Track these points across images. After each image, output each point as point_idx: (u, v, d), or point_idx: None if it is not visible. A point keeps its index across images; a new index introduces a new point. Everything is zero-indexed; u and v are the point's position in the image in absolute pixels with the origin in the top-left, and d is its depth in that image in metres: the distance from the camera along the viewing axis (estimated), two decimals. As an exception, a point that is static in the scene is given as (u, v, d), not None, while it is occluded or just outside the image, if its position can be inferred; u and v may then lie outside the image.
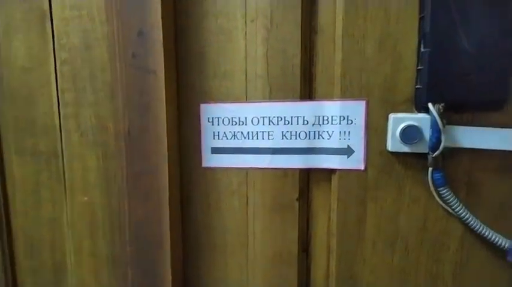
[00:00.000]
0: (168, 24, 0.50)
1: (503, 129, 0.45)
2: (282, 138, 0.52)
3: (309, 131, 0.51)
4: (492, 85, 0.43)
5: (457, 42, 0.43)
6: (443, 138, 0.45)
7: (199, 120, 0.54)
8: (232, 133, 0.53)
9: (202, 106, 0.53)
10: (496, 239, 0.47)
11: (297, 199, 0.53)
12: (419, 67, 0.46)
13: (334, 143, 0.51)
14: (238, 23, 0.50)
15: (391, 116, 0.48)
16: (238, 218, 0.55)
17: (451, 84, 0.44)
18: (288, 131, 0.52)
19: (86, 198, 0.56)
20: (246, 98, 0.52)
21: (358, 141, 0.50)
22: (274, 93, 0.51)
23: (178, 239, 0.57)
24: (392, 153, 0.49)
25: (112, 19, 0.50)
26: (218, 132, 0.54)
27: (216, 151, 0.54)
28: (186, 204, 0.56)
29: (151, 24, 0.48)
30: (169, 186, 0.53)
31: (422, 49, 0.45)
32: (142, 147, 0.52)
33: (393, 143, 0.48)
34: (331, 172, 0.52)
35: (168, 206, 0.53)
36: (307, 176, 0.54)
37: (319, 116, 0.51)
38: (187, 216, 0.57)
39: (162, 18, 0.48)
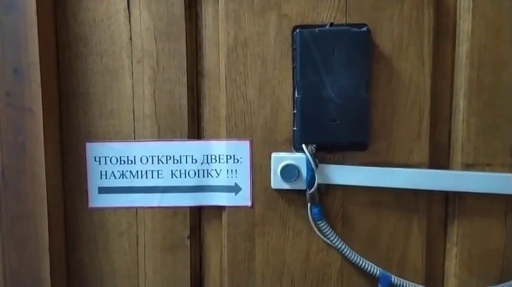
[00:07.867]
0: (48, 63, 0.49)
1: (367, 167, 0.50)
2: (172, 177, 0.52)
3: (198, 170, 0.52)
4: (354, 130, 0.48)
5: (324, 91, 0.48)
6: (316, 176, 0.49)
7: (85, 159, 0.52)
8: (121, 172, 0.52)
9: (88, 145, 0.52)
10: (369, 268, 0.51)
11: (188, 237, 0.53)
12: (294, 111, 0.50)
13: (222, 181, 0.52)
14: (124, 63, 0.51)
15: (273, 155, 0.51)
16: (128, 260, 0.54)
17: (321, 128, 0.48)
18: (177, 170, 0.52)
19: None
20: (134, 137, 0.52)
21: (244, 179, 0.52)
22: (163, 133, 0.52)
23: (63, 285, 0.53)
24: (276, 190, 0.52)
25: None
26: (106, 171, 0.52)
27: (103, 190, 0.52)
28: (72, 248, 0.53)
29: (28, 63, 0.47)
30: (49, 230, 0.50)
31: (296, 95, 0.49)
32: (19, 189, 0.49)
33: (275, 180, 0.51)
34: (221, 209, 0.54)
35: (47, 252, 0.50)
36: (198, 213, 0.55)
37: (207, 155, 0.52)
38: (73, 260, 0.54)
39: (40, 57, 0.47)
